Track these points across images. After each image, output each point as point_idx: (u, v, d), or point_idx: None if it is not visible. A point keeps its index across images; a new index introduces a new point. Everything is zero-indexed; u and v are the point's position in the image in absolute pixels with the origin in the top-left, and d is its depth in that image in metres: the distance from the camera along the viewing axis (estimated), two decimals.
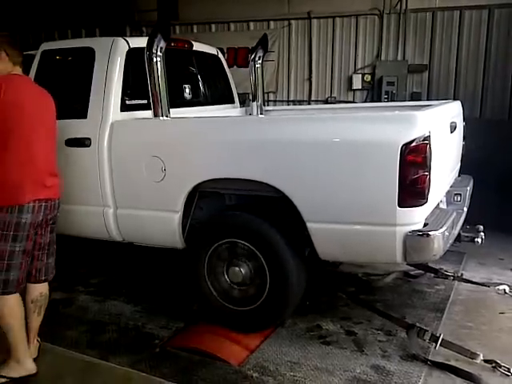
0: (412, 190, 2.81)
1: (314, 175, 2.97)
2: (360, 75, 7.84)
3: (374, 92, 7.71)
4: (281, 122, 3.29)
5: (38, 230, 2.94)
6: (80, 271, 4.73)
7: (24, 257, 2.87)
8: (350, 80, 7.94)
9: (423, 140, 2.79)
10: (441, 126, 3.34)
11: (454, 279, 4.32)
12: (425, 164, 2.81)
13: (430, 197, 2.93)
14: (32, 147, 2.85)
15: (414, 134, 2.77)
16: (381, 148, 2.81)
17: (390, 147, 2.77)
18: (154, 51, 3.38)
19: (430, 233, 2.89)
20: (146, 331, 3.55)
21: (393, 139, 2.77)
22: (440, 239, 2.92)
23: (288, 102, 8.48)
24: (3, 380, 2.92)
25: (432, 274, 4.40)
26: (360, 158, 2.87)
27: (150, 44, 3.38)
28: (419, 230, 2.89)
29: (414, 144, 2.76)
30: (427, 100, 7.03)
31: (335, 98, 8.09)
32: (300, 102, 8.36)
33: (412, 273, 4.46)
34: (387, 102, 7.20)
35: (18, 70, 3.00)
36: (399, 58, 7.56)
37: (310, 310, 3.79)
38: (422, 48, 7.41)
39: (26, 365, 2.96)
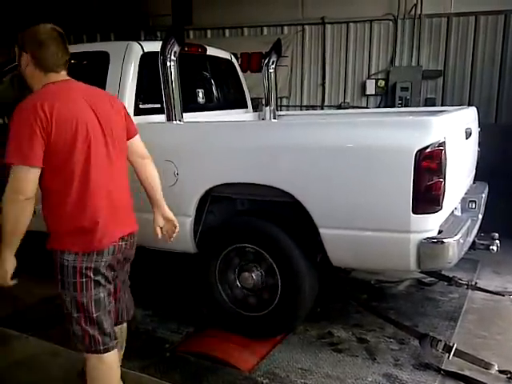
0: (426, 197, 2.78)
1: (326, 181, 2.96)
2: (374, 81, 7.80)
3: (388, 98, 7.66)
4: (294, 127, 3.27)
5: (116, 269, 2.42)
6: None
7: (112, 300, 2.39)
8: (363, 85, 7.91)
9: (438, 146, 2.76)
10: (456, 131, 3.30)
11: (467, 288, 4.26)
12: (440, 170, 2.78)
13: (445, 204, 2.90)
14: (95, 174, 2.22)
15: (429, 139, 2.74)
16: (395, 154, 2.79)
17: (405, 153, 2.74)
18: (168, 55, 3.39)
19: (444, 240, 2.86)
20: (156, 335, 3.55)
21: (407, 145, 2.74)
22: (454, 247, 2.88)
23: (301, 107, 8.46)
24: None
25: (446, 282, 4.34)
26: (374, 164, 2.84)
27: (164, 48, 3.38)
28: (433, 237, 2.86)
29: (428, 150, 2.73)
30: (442, 106, 6.96)
31: (348, 103, 8.06)
32: (313, 108, 8.34)
33: (425, 281, 4.41)
34: (401, 107, 7.14)
35: (56, 76, 2.27)
36: (413, 63, 7.51)
37: (321, 316, 3.76)
38: (437, 54, 7.35)
39: None
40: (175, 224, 2.76)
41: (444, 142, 2.79)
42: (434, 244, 2.84)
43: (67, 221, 2.22)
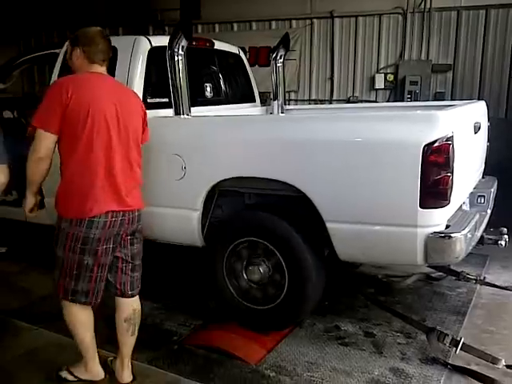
0: (434, 191, 2.77)
1: (334, 175, 2.96)
2: (383, 75, 7.76)
3: (397, 92, 7.61)
4: (301, 121, 3.27)
5: (116, 244, 2.76)
6: None
7: (96, 270, 2.71)
8: (372, 79, 7.86)
9: (446, 140, 2.75)
10: (464, 126, 3.28)
11: (476, 282, 4.24)
12: (447, 165, 2.77)
13: (453, 198, 2.89)
14: (99, 154, 2.60)
15: (437, 134, 2.73)
16: (403, 148, 2.78)
17: (412, 147, 2.73)
18: (176, 50, 3.40)
19: (451, 234, 2.85)
20: (164, 328, 3.58)
21: (415, 139, 2.74)
22: (462, 241, 2.87)
23: (309, 101, 8.43)
24: (73, 378, 2.93)
25: (454, 277, 4.33)
26: (381, 158, 2.84)
27: (172, 43, 3.39)
28: (441, 232, 2.86)
29: (436, 144, 2.72)
30: (451, 100, 6.91)
31: (357, 97, 8.02)
32: (321, 102, 8.31)
33: (433, 275, 4.39)
34: (410, 101, 7.10)
35: (97, 68, 2.76)
36: (423, 57, 7.46)
37: (328, 310, 3.77)
38: (447, 47, 7.29)
39: (92, 370, 2.90)
40: None
41: (452, 137, 2.78)
42: (442, 238, 2.83)
43: (68, 185, 2.66)
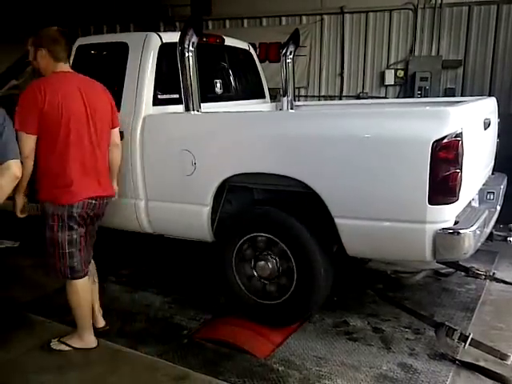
0: (443, 188, 2.77)
1: (343, 171, 2.97)
2: (393, 71, 7.73)
3: (407, 88, 7.59)
4: (311, 117, 3.27)
5: (88, 222, 3.14)
6: (111, 262, 4.83)
7: (83, 241, 3.12)
8: (382, 75, 7.84)
9: (455, 137, 2.74)
10: (474, 122, 3.27)
11: (485, 278, 4.24)
12: (456, 161, 2.77)
13: (462, 194, 2.89)
14: (72, 148, 2.95)
15: (446, 130, 2.73)
16: (412, 144, 2.78)
17: (422, 143, 2.74)
18: (187, 46, 3.42)
19: (460, 231, 2.85)
20: (174, 322, 3.61)
21: (424, 135, 2.74)
22: (471, 237, 2.88)
23: (319, 97, 8.43)
24: (67, 348, 3.22)
25: (463, 273, 4.33)
26: (390, 154, 2.84)
27: (183, 39, 3.41)
28: (449, 228, 2.86)
29: (445, 140, 2.72)
30: (461, 96, 6.88)
31: (367, 93, 8.00)
32: (331, 98, 8.30)
33: (442, 271, 4.38)
34: (420, 97, 7.07)
35: (63, 67, 3.04)
36: (433, 53, 7.42)
37: (337, 305, 3.78)
38: (457, 43, 7.25)
39: (87, 339, 3.24)
40: None
41: (461, 133, 2.77)
42: (450, 235, 2.84)
43: (52, 180, 2.98)
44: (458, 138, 2.75)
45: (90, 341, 3.24)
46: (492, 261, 4.68)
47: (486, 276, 4.27)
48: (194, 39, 3.43)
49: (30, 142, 2.86)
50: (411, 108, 3.37)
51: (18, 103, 2.88)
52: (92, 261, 3.37)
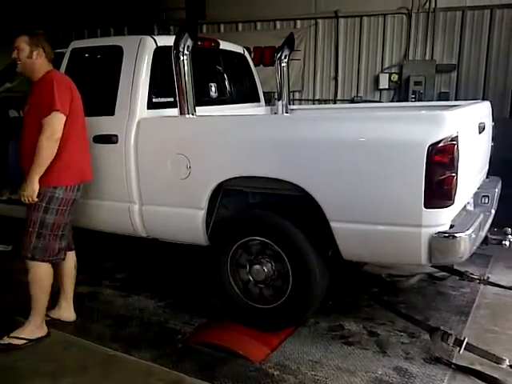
0: (438, 191, 2.77)
1: (338, 174, 2.96)
2: (387, 75, 7.76)
3: (401, 92, 7.61)
4: (306, 121, 3.28)
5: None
6: (106, 266, 4.81)
7: (68, 228, 3.40)
8: (376, 79, 7.86)
9: (451, 140, 2.75)
10: (469, 126, 3.28)
11: (479, 282, 4.24)
12: (452, 165, 2.77)
13: (457, 198, 2.89)
14: (83, 137, 3.41)
15: (442, 134, 2.73)
16: (407, 148, 2.78)
17: (417, 147, 2.73)
18: (181, 50, 3.41)
19: (455, 234, 2.85)
20: (168, 326, 3.59)
21: (420, 139, 2.73)
22: (466, 241, 2.87)
23: (313, 101, 8.44)
24: (22, 342, 3.25)
25: (457, 277, 4.33)
26: (386, 158, 2.84)
27: (178, 42, 3.40)
28: (445, 232, 2.85)
29: (441, 144, 2.72)
30: (455, 100, 6.91)
31: (361, 97, 8.02)
32: (326, 101, 8.32)
33: (437, 275, 4.38)
34: (414, 101, 7.09)
35: (51, 67, 3.30)
36: (427, 57, 7.46)
37: (332, 309, 3.77)
38: (451, 47, 7.28)
39: (42, 327, 3.36)
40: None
41: (457, 137, 2.78)
42: (446, 238, 2.83)
43: (67, 159, 3.22)
44: (454, 142, 2.76)
45: (43, 329, 3.37)
46: (486, 264, 4.69)
47: (480, 280, 4.27)
48: (189, 43, 3.42)
49: (63, 122, 3.13)
50: (407, 112, 3.36)
51: (54, 88, 3.09)
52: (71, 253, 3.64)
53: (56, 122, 3.09)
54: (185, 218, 3.57)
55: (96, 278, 4.47)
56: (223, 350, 3.20)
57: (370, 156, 2.88)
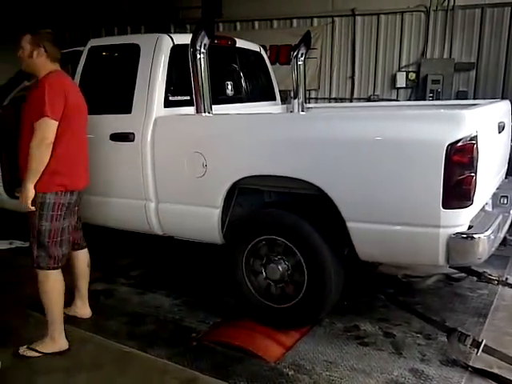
0: (457, 192, 2.73)
1: (355, 174, 2.94)
2: (404, 73, 7.67)
3: (419, 90, 7.52)
4: (323, 119, 3.25)
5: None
6: (121, 263, 4.84)
7: (70, 232, 3.30)
8: (393, 78, 7.78)
9: (470, 140, 2.71)
10: (488, 125, 3.23)
11: (497, 284, 4.16)
12: (471, 165, 2.73)
13: (476, 199, 2.85)
14: (77, 143, 3.22)
15: (461, 133, 2.69)
16: (425, 147, 2.74)
17: (436, 147, 2.70)
18: (198, 48, 3.42)
19: (474, 235, 2.81)
20: (184, 324, 3.59)
21: (438, 138, 2.70)
22: (485, 242, 2.83)
23: (330, 99, 8.39)
24: (37, 354, 3.16)
25: (475, 278, 4.26)
26: (403, 158, 2.81)
27: (194, 41, 3.41)
28: (463, 233, 2.82)
29: (460, 144, 2.68)
30: (474, 99, 6.82)
31: (378, 96, 7.95)
32: (342, 100, 8.26)
33: (454, 276, 4.33)
34: (432, 100, 7.01)
35: (57, 66, 3.21)
36: (445, 55, 7.36)
37: (348, 310, 3.74)
38: (470, 46, 7.18)
39: (59, 342, 3.22)
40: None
41: (476, 136, 2.74)
42: (464, 239, 2.80)
43: (54, 165, 3.05)
44: (473, 142, 2.72)
45: (61, 344, 3.23)
46: (504, 266, 4.61)
47: (498, 281, 4.19)
48: (206, 41, 3.42)
49: (54, 128, 3.00)
50: (425, 110, 3.32)
51: (46, 92, 2.97)
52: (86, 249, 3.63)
53: (45, 128, 2.97)
54: (200, 217, 3.57)
55: (111, 276, 4.49)
56: (238, 348, 3.20)
57: (387, 155, 2.85)
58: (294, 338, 3.33)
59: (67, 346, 3.22)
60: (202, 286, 4.27)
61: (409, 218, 2.86)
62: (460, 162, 2.70)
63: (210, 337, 3.38)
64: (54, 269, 3.17)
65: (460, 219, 2.82)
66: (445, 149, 2.68)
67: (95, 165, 3.61)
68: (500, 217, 3.31)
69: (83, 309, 3.66)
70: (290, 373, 2.98)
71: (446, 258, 2.84)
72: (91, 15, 9.87)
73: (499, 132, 3.50)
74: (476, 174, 2.77)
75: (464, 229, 2.84)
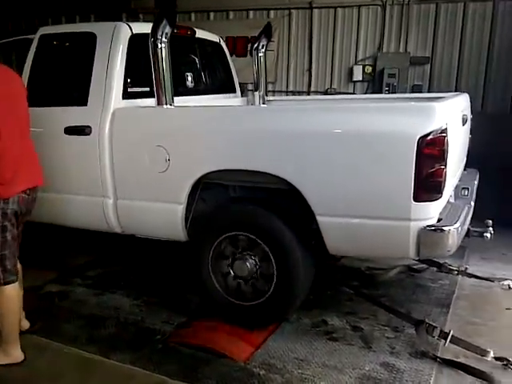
0: (428, 184, 2.73)
1: (326, 167, 2.88)
2: (361, 67, 7.69)
3: (375, 84, 7.57)
4: (291, 111, 3.17)
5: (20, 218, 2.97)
6: (77, 263, 4.61)
7: (16, 244, 2.94)
8: (350, 71, 7.79)
9: (441, 132, 2.71)
10: (455, 118, 3.25)
11: (458, 274, 4.27)
12: (442, 157, 2.73)
13: (445, 191, 2.86)
14: (5, 138, 2.76)
15: (432, 126, 2.68)
16: (396, 140, 2.72)
17: (407, 140, 2.68)
18: (159, 37, 3.27)
19: (444, 228, 2.82)
20: (146, 326, 3.45)
21: (409, 131, 2.68)
22: (454, 234, 2.85)
23: (287, 92, 8.33)
24: None
25: (435, 269, 4.34)
26: (374, 151, 2.78)
27: (156, 30, 3.25)
28: (434, 225, 2.82)
29: (431, 137, 2.67)
30: (428, 93, 6.94)
31: (335, 89, 7.95)
32: (299, 93, 8.21)
33: (415, 267, 4.39)
34: (388, 94, 7.09)
35: None
36: (401, 49, 7.43)
37: (314, 304, 3.71)
38: (425, 40, 7.27)
39: (13, 354, 2.97)
40: None
41: (446, 129, 2.74)
42: (435, 232, 2.80)
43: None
44: (444, 134, 2.72)
45: (16, 355, 2.98)
46: (462, 256, 4.71)
47: (458, 271, 4.29)
48: (168, 30, 3.27)
49: None
50: (395, 103, 3.31)
51: None
52: (19, 264, 3.09)
53: None
54: (163, 213, 3.44)
55: (67, 276, 4.28)
56: (205, 349, 3.09)
57: (357, 148, 2.81)
58: (263, 336, 3.26)
59: (23, 357, 2.99)
60: (164, 284, 4.13)
61: (379, 211, 2.83)
62: (431, 154, 2.69)
63: (175, 338, 3.26)
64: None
65: (430, 212, 2.82)
66: (416, 142, 2.66)
67: (49, 160, 3.42)
68: (466, 209, 3.35)
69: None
70: (261, 372, 2.91)
71: (417, 251, 2.83)
72: (37, 3, 9.42)
73: (463, 124, 3.53)
74: (446, 166, 2.77)
75: (434, 221, 2.85)
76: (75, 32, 3.95)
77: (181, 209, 3.35)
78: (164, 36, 3.29)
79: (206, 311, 3.50)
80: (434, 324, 3.22)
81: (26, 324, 3.29)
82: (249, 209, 3.25)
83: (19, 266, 3.07)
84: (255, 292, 3.26)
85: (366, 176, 2.81)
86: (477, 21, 6.95)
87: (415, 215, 2.75)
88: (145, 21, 8.16)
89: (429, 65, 7.31)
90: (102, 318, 3.55)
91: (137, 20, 8.69)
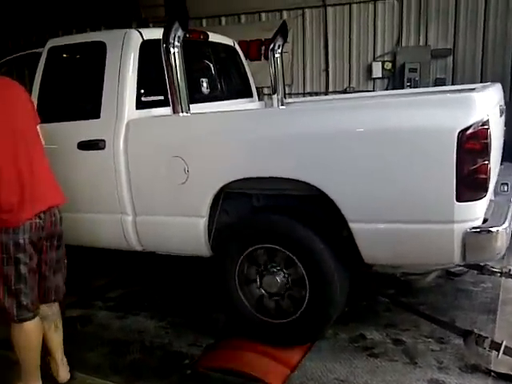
0: (472, 182, 2.49)
1: (357, 169, 2.66)
2: (380, 63, 7.50)
3: (396, 80, 7.36)
4: (315, 112, 2.95)
5: (41, 247, 2.67)
6: (97, 284, 4.45)
7: (32, 277, 2.63)
8: (369, 69, 7.60)
9: (482, 125, 2.47)
10: (494, 109, 3.00)
11: (501, 275, 3.98)
12: (485, 152, 2.50)
13: (490, 188, 2.62)
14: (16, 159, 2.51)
15: (472, 118, 2.45)
16: (434, 136, 2.49)
17: (445, 134, 2.45)
18: (172, 41, 3.10)
19: (492, 229, 2.58)
20: (173, 350, 3.25)
21: (448, 125, 2.45)
22: (504, 235, 2.61)
23: (304, 94, 8.16)
24: None
25: (476, 271, 4.06)
26: (410, 148, 2.55)
27: (168, 34, 3.09)
28: (480, 227, 2.58)
29: (472, 130, 2.44)
30: (452, 86, 6.66)
31: (354, 88, 7.75)
32: (316, 94, 8.03)
33: (454, 270, 4.11)
34: (411, 89, 6.84)
35: None
36: (421, 43, 7.21)
37: (350, 317, 3.46)
38: (446, 31, 7.03)
39: None
40: None
41: (488, 121, 2.50)
42: (481, 234, 2.56)
43: None
44: (486, 126, 2.48)
45: None
46: (502, 256, 4.42)
47: (501, 273, 4.01)
48: (180, 33, 3.10)
49: None
50: (431, 96, 3.08)
51: None
52: (56, 303, 2.87)
53: None
54: (184, 228, 3.25)
55: (87, 299, 4.11)
56: (237, 373, 2.87)
57: (391, 147, 2.59)
58: (298, 356, 3.03)
59: None
60: (188, 303, 3.93)
61: (420, 214, 2.61)
62: (473, 149, 2.46)
63: (204, 362, 3.05)
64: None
65: (475, 212, 2.58)
66: (456, 136, 2.43)
67: (63, 178, 3.23)
68: (511, 206, 3.09)
69: (56, 370, 2.93)
70: None
71: (463, 256, 2.60)
72: (47, 17, 9.43)
73: (500, 116, 3.28)
74: (489, 161, 2.53)
75: (479, 223, 2.61)
76: (84, 42, 3.81)
77: (203, 222, 3.16)
78: (177, 40, 3.13)
79: (234, 330, 3.29)
80: (484, 334, 2.95)
81: (64, 375, 2.92)
82: (274, 219, 3.04)
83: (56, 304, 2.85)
84: (287, 308, 3.05)
85: (403, 176, 2.59)
86: (500, 8, 6.67)
87: (459, 217, 2.52)
88: None
89: (451, 57, 7.07)
90: (127, 343, 3.37)
91: None
